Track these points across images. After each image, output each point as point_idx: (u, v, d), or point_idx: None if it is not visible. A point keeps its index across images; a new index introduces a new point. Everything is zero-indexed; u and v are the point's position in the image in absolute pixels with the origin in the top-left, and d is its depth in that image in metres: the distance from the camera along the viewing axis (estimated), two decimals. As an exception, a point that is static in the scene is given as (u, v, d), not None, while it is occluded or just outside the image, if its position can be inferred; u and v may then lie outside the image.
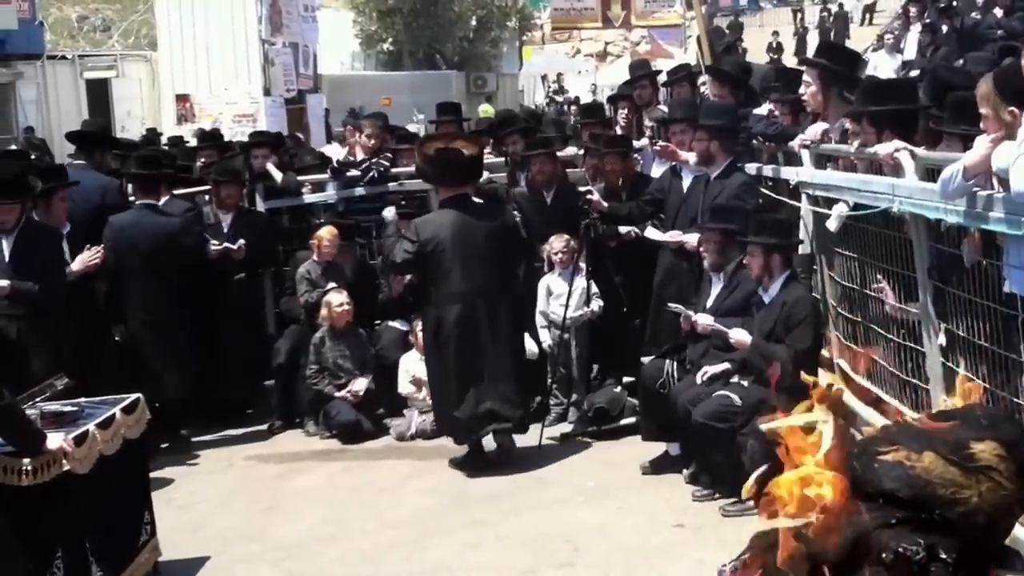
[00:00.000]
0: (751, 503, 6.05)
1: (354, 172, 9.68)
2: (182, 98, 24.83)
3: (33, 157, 10.30)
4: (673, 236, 7.63)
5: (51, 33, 28.37)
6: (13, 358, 6.74)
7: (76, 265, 7.51)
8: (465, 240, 7.34)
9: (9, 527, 4.88)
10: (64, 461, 4.98)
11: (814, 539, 3.50)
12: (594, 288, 8.22)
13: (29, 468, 4.87)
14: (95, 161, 8.39)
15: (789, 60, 26.77)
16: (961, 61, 10.10)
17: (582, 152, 9.22)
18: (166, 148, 11.77)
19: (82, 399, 5.68)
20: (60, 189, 7.58)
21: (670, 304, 7.11)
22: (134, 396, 5.85)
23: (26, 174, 7.12)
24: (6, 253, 7.00)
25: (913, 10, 19.83)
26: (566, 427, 8.08)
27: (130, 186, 8.55)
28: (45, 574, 4.94)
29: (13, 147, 15.89)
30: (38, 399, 5.35)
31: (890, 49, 19.61)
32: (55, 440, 4.95)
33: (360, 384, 8.41)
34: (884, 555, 3.35)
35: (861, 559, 3.42)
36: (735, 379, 6.53)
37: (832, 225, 6.13)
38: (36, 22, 25.75)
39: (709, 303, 6.90)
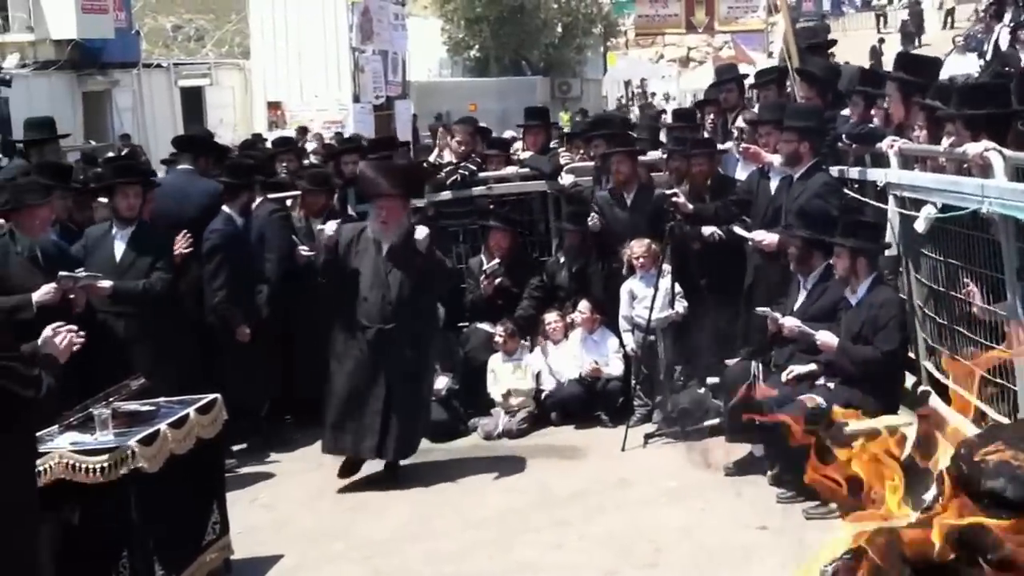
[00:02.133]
0: (835, 506, 6.07)
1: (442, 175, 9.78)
2: (274, 105, 25.33)
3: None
4: (758, 235, 7.62)
5: (146, 42, 29.07)
6: (115, 354, 6.98)
7: None
8: None
9: (78, 525, 4.97)
10: (133, 460, 5.02)
11: (914, 539, 3.50)
12: (678, 289, 8.23)
13: (98, 466, 4.95)
14: (200, 166, 8.63)
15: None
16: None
17: (665, 155, 9.22)
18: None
19: (160, 399, 5.76)
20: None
21: (758, 308, 7.10)
22: (211, 396, 5.90)
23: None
24: (118, 255, 7.26)
25: (993, 9, 19.57)
26: (649, 428, 8.09)
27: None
28: (112, 573, 5.01)
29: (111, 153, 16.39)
30: (113, 398, 5.39)
31: (961, 50, 19.34)
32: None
33: (440, 382, 8.47)
34: (989, 556, 3.32)
35: (965, 560, 3.40)
36: (821, 381, 6.50)
37: (920, 227, 6.07)
38: (133, 31, 26.47)
39: (796, 306, 6.88)
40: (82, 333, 4.84)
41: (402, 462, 7.53)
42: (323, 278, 7.60)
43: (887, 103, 7.06)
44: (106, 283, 6.97)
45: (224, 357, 8.01)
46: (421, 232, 7.23)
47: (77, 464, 4.97)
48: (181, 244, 7.72)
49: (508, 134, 12.76)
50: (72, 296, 6.69)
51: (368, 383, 7.28)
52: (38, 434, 5.13)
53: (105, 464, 4.97)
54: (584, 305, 8.66)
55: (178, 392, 6.03)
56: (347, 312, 7.34)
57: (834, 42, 10.24)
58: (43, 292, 6.53)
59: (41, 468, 4.88)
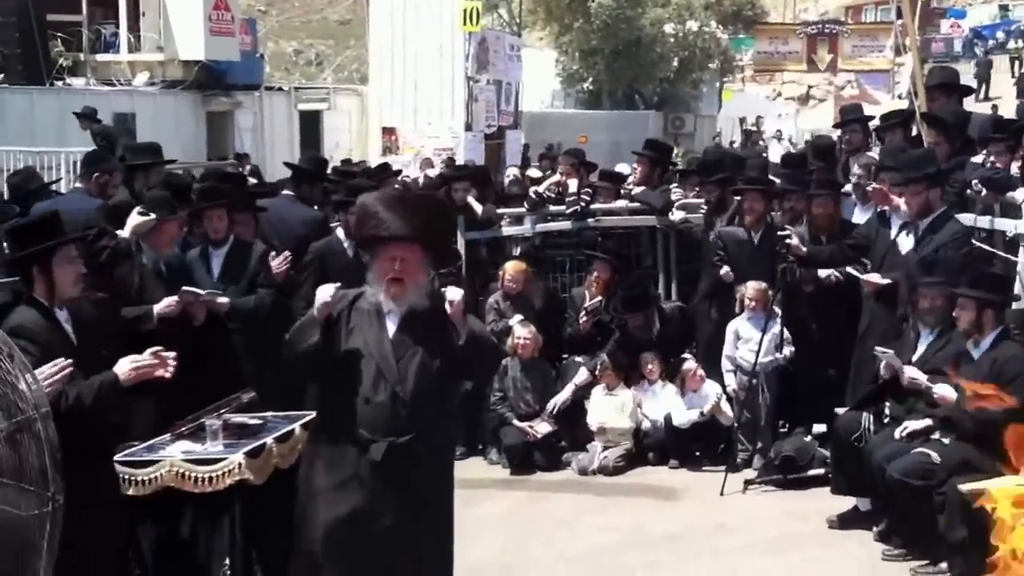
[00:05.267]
0: (944, 566, 5.83)
1: (554, 207, 9.77)
2: (388, 131, 25.64)
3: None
4: (871, 277, 7.38)
5: (268, 65, 29.69)
6: (217, 369, 7.07)
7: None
8: None
9: (182, 534, 5.07)
10: (240, 471, 5.04)
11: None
12: (787, 334, 8.03)
13: (206, 476, 5.02)
14: (302, 192, 8.79)
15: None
16: None
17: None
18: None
19: (268, 413, 5.80)
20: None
21: (877, 348, 6.79)
22: (314, 413, 5.85)
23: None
24: (215, 272, 7.34)
25: None
26: (750, 473, 7.89)
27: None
28: None
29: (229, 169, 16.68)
30: (224, 410, 5.48)
31: None
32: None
33: (543, 428, 8.43)
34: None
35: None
36: (935, 436, 6.24)
37: (1050, 280, 5.82)
38: (257, 55, 27.11)
39: (915, 356, 6.61)
40: (170, 367, 4.76)
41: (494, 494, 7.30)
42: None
43: None
44: (224, 299, 7.08)
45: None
46: (454, 293, 4.75)
47: (187, 473, 5.06)
48: (279, 262, 7.76)
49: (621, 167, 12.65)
50: (192, 310, 6.83)
51: (372, 525, 4.68)
52: (150, 441, 5.32)
53: (214, 474, 5.05)
54: (691, 364, 8.46)
55: (280, 407, 6.04)
56: (336, 423, 4.79)
57: (970, 89, 9.87)
58: (164, 304, 6.67)
59: (152, 476, 5.06)
